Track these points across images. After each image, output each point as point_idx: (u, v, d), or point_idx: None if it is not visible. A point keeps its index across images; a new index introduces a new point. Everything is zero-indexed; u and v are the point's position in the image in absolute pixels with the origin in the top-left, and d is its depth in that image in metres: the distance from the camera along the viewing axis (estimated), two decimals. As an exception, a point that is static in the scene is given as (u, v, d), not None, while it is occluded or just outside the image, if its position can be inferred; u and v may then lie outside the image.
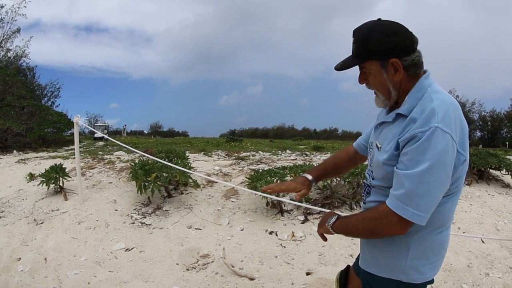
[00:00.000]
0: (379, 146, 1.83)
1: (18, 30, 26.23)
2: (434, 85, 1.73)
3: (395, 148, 1.68)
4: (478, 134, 50.23)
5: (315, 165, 3.21)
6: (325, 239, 2.10)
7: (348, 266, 2.49)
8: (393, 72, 1.72)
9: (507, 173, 8.45)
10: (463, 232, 5.79)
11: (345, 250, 5.00)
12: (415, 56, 1.72)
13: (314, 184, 2.43)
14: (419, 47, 1.74)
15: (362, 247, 2.02)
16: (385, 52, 1.69)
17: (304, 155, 11.51)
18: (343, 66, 1.81)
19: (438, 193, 1.59)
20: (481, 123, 49.43)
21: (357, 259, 2.34)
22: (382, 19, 1.76)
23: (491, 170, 8.86)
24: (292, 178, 6.52)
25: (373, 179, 1.91)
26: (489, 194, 7.75)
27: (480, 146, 27.44)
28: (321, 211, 5.87)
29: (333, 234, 1.91)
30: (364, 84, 1.86)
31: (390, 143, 1.73)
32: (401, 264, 1.76)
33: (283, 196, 6.45)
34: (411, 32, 1.73)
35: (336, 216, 1.90)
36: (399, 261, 1.76)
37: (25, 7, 25.80)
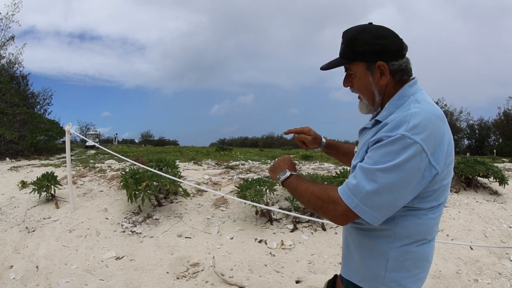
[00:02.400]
0: (355, 151, 1.86)
1: (12, 38, 26.17)
2: (419, 94, 1.69)
3: (366, 151, 1.65)
4: (466, 142, 50.35)
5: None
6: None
7: (335, 276, 2.52)
8: (379, 75, 1.70)
9: (495, 180, 8.50)
10: (452, 239, 5.84)
11: (334, 258, 5.06)
12: (403, 62, 1.70)
13: (322, 147, 2.40)
14: (409, 56, 1.71)
15: (344, 255, 1.98)
16: (372, 54, 1.67)
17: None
18: (328, 65, 1.80)
19: (390, 197, 1.53)
20: (468, 131, 49.60)
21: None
22: (374, 24, 1.75)
23: (479, 178, 8.92)
24: (281, 187, 6.60)
25: None
26: (477, 202, 7.83)
27: (468, 154, 27.52)
28: (310, 220, 5.93)
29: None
30: (349, 88, 1.84)
31: (363, 148, 1.71)
32: (380, 276, 1.70)
33: (273, 205, 6.51)
34: (401, 39, 1.72)
35: (290, 173, 1.85)
36: (378, 272, 1.70)
37: (18, 12, 25.73)
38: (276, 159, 2.03)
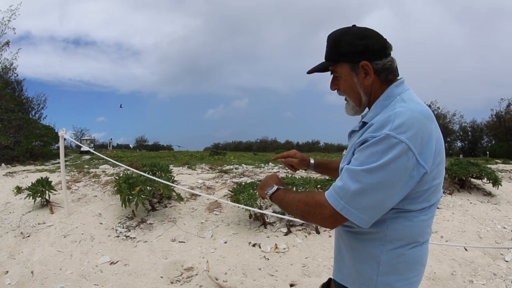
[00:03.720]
0: (343, 154, 1.85)
1: (8, 43, 26.07)
2: (406, 93, 1.68)
3: (353, 154, 1.64)
4: (459, 144, 50.39)
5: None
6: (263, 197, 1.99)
7: (329, 279, 2.53)
8: (363, 75, 1.70)
9: (488, 181, 8.58)
10: (446, 241, 5.88)
11: (328, 261, 5.08)
12: (387, 61, 1.70)
13: (311, 167, 2.46)
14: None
15: (336, 259, 1.96)
16: (355, 54, 1.68)
17: (287, 168, 11.51)
18: (314, 69, 1.83)
19: (377, 198, 1.51)
20: (461, 133, 49.67)
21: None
22: (357, 26, 1.75)
23: (472, 179, 8.99)
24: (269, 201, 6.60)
25: None
26: (471, 203, 7.88)
27: (461, 156, 27.53)
28: (303, 223, 5.96)
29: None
30: (336, 91, 1.85)
31: (350, 150, 1.71)
32: (372, 279, 1.68)
33: (266, 208, 6.53)
34: (385, 38, 1.73)
35: (277, 187, 1.85)
36: (370, 276, 1.68)
37: (14, 19, 25.65)
38: (264, 177, 2.03)
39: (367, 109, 1.85)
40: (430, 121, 1.58)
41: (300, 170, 2.46)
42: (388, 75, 1.72)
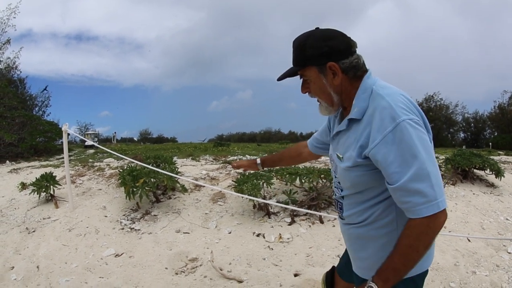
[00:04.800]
0: (340, 156, 1.84)
1: (9, 41, 26.08)
2: (378, 82, 1.75)
3: (358, 155, 1.68)
4: (462, 135, 50.35)
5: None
6: None
7: (333, 267, 2.53)
8: (332, 76, 1.75)
9: (491, 172, 8.55)
10: (449, 231, 5.86)
11: (332, 251, 5.09)
12: (353, 59, 1.74)
13: (260, 168, 2.83)
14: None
15: (351, 256, 2.01)
16: (321, 57, 1.73)
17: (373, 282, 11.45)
18: (284, 75, 1.86)
19: (438, 171, 1.60)
20: (464, 124, 49.54)
21: (341, 260, 2.42)
22: (321, 28, 1.80)
23: (475, 170, 8.97)
24: (278, 180, 6.61)
25: (342, 190, 1.92)
26: (473, 194, 7.86)
27: (464, 147, 27.52)
28: (307, 213, 5.96)
29: None
30: (307, 94, 1.89)
31: (351, 151, 1.73)
32: None
33: (270, 198, 6.54)
34: (349, 37, 1.76)
35: (373, 283, 1.71)
36: None
37: (14, 17, 25.65)
38: None
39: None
40: (410, 98, 1.69)
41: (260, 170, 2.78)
42: (356, 72, 1.77)
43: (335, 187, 2.01)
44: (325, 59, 1.73)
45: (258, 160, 2.78)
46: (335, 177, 1.97)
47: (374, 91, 1.70)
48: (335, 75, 1.75)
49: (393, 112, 1.57)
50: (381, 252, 1.75)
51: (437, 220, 1.55)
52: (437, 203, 1.53)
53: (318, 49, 1.72)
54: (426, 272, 1.87)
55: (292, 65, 1.85)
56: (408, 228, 1.62)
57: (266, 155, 2.92)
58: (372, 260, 1.82)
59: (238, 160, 11.10)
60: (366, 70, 1.80)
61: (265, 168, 2.94)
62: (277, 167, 6.65)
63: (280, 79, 1.88)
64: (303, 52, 1.76)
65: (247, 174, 6.38)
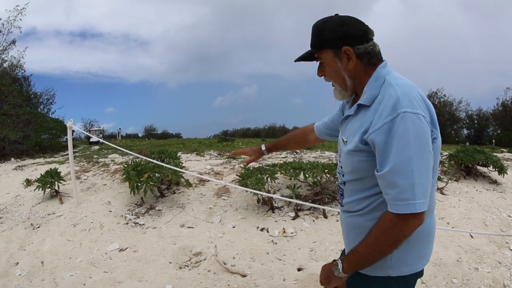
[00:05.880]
0: (345, 140, 1.85)
1: (14, 42, 26.26)
2: (393, 73, 1.76)
3: (360, 140, 1.68)
4: (465, 132, 50.01)
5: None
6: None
7: (334, 261, 2.53)
8: (346, 60, 1.77)
9: (494, 169, 8.58)
10: (452, 227, 5.85)
11: (336, 245, 5.08)
12: (369, 46, 1.77)
13: (266, 153, 2.85)
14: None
15: (346, 246, 2.00)
16: (337, 40, 1.76)
17: (295, 153, 11.55)
18: (301, 57, 1.91)
19: (429, 173, 1.58)
20: (468, 121, 49.30)
21: (341, 255, 2.41)
22: (340, 14, 1.82)
23: (478, 167, 9.01)
24: (282, 174, 6.62)
25: (343, 175, 1.92)
26: (476, 190, 7.87)
27: (467, 144, 27.43)
28: (311, 207, 5.96)
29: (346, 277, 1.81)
30: (323, 77, 1.92)
31: (355, 136, 1.73)
32: (387, 259, 1.72)
33: (274, 193, 6.54)
34: (366, 25, 1.80)
35: (340, 260, 1.80)
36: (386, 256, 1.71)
37: (20, 19, 25.81)
38: (321, 273, 1.96)
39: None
40: (422, 92, 1.67)
41: (262, 158, 2.74)
42: (371, 59, 1.79)
43: (338, 172, 2.02)
44: (341, 43, 1.76)
45: (263, 146, 2.80)
46: (339, 161, 1.98)
47: (387, 80, 1.70)
48: (350, 59, 1.78)
49: (397, 102, 1.56)
50: None
51: (407, 222, 1.56)
52: (414, 204, 1.53)
53: (335, 33, 1.76)
54: (419, 273, 1.85)
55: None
56: (380, 219, 1.66)
57: (270, 142, 2.91)
58: None
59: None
60: (381, 60, 1.82)
61: (269, 154, 2.96)
62: (281, 162, 6.63)
63: (297, 60, 1.93)
64: (320, 35, 1.81)
65: (251, 168, 6.38)
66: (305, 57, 1.91)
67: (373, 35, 1.81)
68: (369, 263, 1.71)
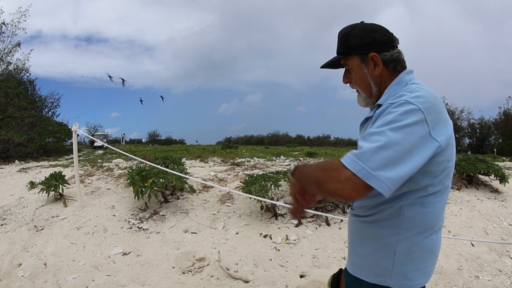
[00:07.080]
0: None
1: (19, 44, 26.34)
2: (416, 80, 1.73)
3: None
4: (467, 141, 49.88)
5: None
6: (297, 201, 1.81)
7: (340, 270, 2.51)
8: (373, 66, 1.77)
9: (495, 178, 8.56)
10: (453, 235, 5.85)
11: (338, 253, 5.09)
12: (394, 53, 1.77)
13: None
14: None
15: (350, 252, 1.96)
16: (364, 46, 1.76)
17: (298, 161, 11.54)
18: (327, 63, 1.91)
19: (397, 156, 1.42)
20: (470, 130, 49.21)
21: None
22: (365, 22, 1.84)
23: (480, 176, 8.97)
24: (286, 182, 6.62)
25: None
26: (478, 199, 7.85)
27: (469, 153, 27.40)
28: (314, 215, 5.97)
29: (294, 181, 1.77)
30: (348, 84, 1.90)
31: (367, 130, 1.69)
32: (388, 269, 1.69)
33: (277, 200, 6.55)
34: (391, 32, 1.81)
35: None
36: (386, 266, 1.69)
37: (24, 21, 25.90)
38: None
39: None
40: (442, 103, 1.62)
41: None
42: (396, 65, 1.79)
43: None
44: (368, 49, 1.77)
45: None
46: None
47: (408, 85, 1.69)
48: (376, 66, 1.78)
49: (406, 94, 1.57)
50: (377, 254, 1.73)
51: (340, 174, 1.44)
52: (364, 169, 1.40)
53: (361, 39, 1.77)
54: None
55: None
56: (336, 158, 1.54)
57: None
58: (366, 260, 1.79)
59: (246, 161, 11.11)
60: (405, 67, 1.82)
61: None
62: (285, 170, 6.59)
63: (323, 67, 1.93)
64: (346, 41, 1.81)
65: (255, 176, 6.39)
66: (331, 64, 1.91)
67: (398, 43, 1.82)
68: (306, 182, 1.68)
